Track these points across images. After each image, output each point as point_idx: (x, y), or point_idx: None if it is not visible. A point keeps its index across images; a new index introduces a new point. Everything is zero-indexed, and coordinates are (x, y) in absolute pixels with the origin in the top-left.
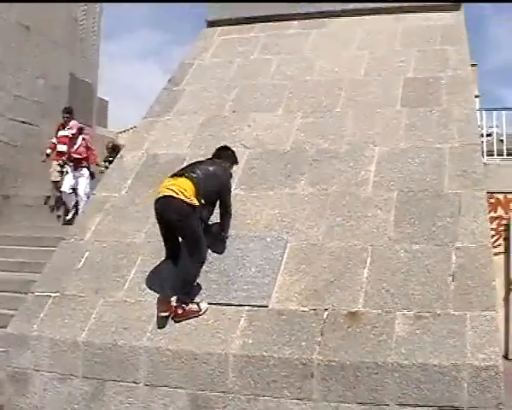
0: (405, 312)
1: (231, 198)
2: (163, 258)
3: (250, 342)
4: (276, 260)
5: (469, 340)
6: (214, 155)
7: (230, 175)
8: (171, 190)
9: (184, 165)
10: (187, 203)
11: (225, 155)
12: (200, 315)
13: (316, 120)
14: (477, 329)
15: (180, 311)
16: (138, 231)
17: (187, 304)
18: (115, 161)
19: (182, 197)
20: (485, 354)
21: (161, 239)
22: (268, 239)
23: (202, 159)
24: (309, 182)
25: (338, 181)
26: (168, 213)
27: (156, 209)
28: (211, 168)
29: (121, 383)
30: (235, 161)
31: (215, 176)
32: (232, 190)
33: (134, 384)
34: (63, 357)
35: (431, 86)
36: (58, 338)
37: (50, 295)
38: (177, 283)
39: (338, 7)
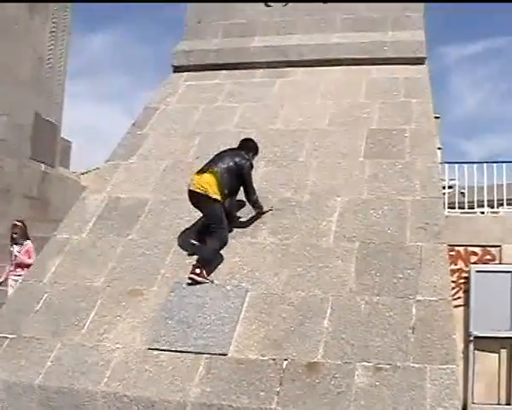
0: (365, 363)
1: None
2: (123, 303)
3: (208, 390)
4: (235, 308)
5: (429, 393)
6: (239, 146)
7: (251, 165)
8: (198, 185)
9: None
10: (210, 197)
11: (248, 145)
12: (208, 283)
13: (279, 169)
14: (436, 382)
15: (198, 271)
16: (98, 274)
17: (201, 270)
18: (77, 203)
19: (206, 193)
20: (444, 407)
21: (120, 283)
22: (228, 287)
23: (227, 149)
24: (270, 231)
25: (299, 231)
26: (197, 204)
27: (189, 198)
28: (233, 160)
29: None
30: (257, 152)
31: (237, 167)
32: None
33: None
34: (18, 401)
35: (394, 138)
36: (13, 381)
37: (7, 337)
38: (199, 256)
39: (303, 57)
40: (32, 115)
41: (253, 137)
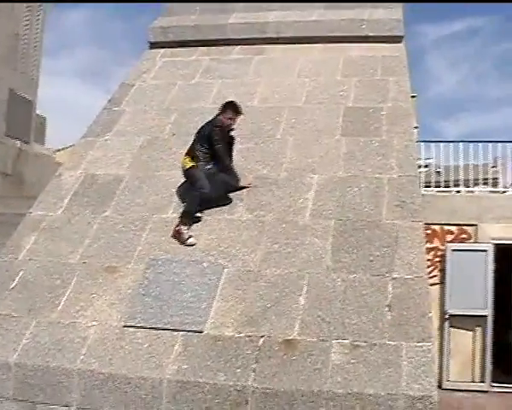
0: (341, 341)
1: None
2: (99, 280)
3: (184, 367)
4: (212, 285)
5: (405, 370)
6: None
7: (222, 129)
8: (181, 164)
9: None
10: (186, 168)
11: (224, 106)
12: (183, 242)
13: (255, 146)
14: (413, 359)
15: (177, 229)
16: (74, 251)
17: (180, 226)
18: (52, 180)
19: (184, 166)
20: (420, 384)
21: (96, 260)
22: (204, 264)
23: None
24: (247, 208)
25: (276, 208)
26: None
27: None
28: (204, 127)
29: (53, 406)
30: (235, 110)
31: (206, 132)
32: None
33: (66, 408)
34: None
35: (371, 116)
36: None
37: None
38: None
39: (281, 34)
40: (6, 92)
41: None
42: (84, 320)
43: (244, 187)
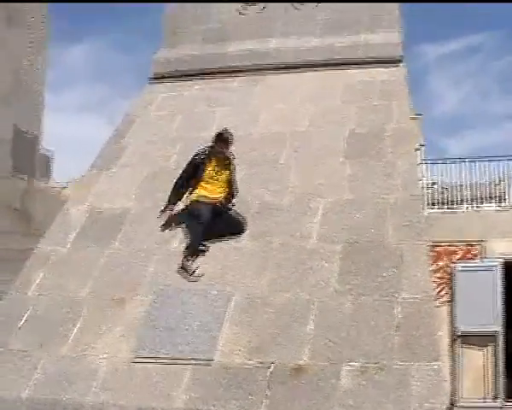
0: (351, 364)
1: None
2: (108, 312)
3: (195, 396)
4: (220, 313)
5: (415, 391)
6: None
7: (196, 158)
8: None
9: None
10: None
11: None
12: (190, 276)
13: (259, 172)
14: (423, 380)
15: (183, 261)
16: (82, 285)
17: (186, 259)
18: (59, 214)
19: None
20: (431, 403)
21: (105, 293)
22: (212, 293)
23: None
24: (252, 235)
25: (282, 233)
26: None
27: None
28: None
29: None
30: (220, 139)
31: None
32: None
33: None
34: None
35: (374, 139)
36: (1, 395)
37: None
38: None
39: (280, 60)
40: (11, 129)
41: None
42: (95, 353)
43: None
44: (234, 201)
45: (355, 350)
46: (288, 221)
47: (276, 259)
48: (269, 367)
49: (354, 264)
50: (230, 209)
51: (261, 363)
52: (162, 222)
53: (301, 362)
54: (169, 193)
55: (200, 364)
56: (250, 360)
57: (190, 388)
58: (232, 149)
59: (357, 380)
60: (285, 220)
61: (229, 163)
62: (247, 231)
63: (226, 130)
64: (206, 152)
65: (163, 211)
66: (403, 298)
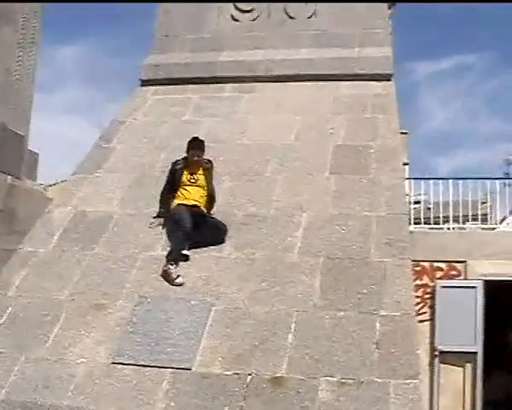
0: (329, 378)
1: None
2: (87, 316)
3: (172, 404)
4: (200, 323)
5: (392, 407)
6: None
7: (175, 165)
8: None
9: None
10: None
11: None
12: (172, 282)
13: (245, 183)
14: (400, 397)
15: (165, 268)
16: (63, 287)
17: (168, 266)
18: (43, 216)
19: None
20: None
21: (85, 297)
22: (193, 302)
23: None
24: (235, 246)
25: (265, 246)
26: None
27: None
28: None
29: None
30: (190, 147)
31: None
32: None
33: None
34: None
35: (360, 154)
36: None
37: None
38: None
39: (271, 72)
40: None
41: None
42: (73, 357)
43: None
44: (215, 209)
45: (333, 364)
46: (271, 233)
47: (258, 271)
48: (246, 378)
49: (335, 279)
50: (213, 215)
51: (238, 374)
52: (145, 228)
53: (279, 375)
54: (158, 204)
55: (178, 372)
56: (228, 370)
57: (168, 396)
58: (207, 154)
59: (335, 394)
60: (268, 232)
61: (205, 168)
62: (229, 241)
63: (197, 137)
64: (182, 160)
65: (151, 225)
66: (383, 315)
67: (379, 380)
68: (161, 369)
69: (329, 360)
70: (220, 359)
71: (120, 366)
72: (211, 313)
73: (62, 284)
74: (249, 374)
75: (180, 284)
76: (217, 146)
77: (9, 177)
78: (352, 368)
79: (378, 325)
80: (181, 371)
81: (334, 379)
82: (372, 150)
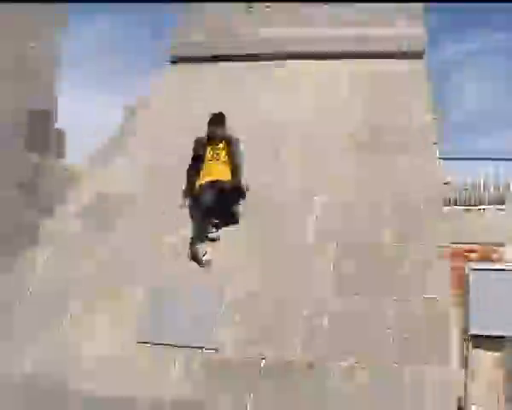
0: (343, 363)
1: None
2: (102, 299)
3: (186, 387)
4: (213, 307)
5: (428, 393)
6: None
7: (197, 142)
8: None
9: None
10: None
11: None
12: (200, 262)
13: (259, 164)
14: (435, 382)
15: (191, 249)
16: (79, 268)
17: (193, 246)
18: (66, 194)
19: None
20: (442, 405)
21: (102, 280)
22: (206, 286)
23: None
24: (249, 229)
25: (279, 229)
26: None
27: None
28: None
29: None
30: (209, 123)
31: None
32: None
33: None
34: None
35: (386, 134)
36: None
37: None
38: None
39: (295, 49)
40: (25, 104)
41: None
42: (87, 340)
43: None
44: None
45: (349, 349)
46: (286, 216)
47: (272, 253)
48: (259, 363)
49: (357, 264)
50: (239, 190)
51: (251, 358)
52: (169, 208)
53: (293, 358)
54: (183, 187)
55: (192, 356)
56: (241, 354)
57: (181, 379)
58: (229, 129)
59: (350, 380)
60: (283, 216)
61: (226, 143)
62: (244, 225)
63: (217, 112)
64: (204, 137)
65: (181, 206)
66: (416, 299)
67: (412, 366)
68: (175, 353)
69: (345, 344)
70: (233, 343)
71: (134, 349)
72: (225, 295)
73: (80, 263)
74: (262, 358)
75: (207, 262)
76: (233, 124)
77: (36, 154)
78: (378, 354)
79: (409, 309)
80: (194, 355)
81: (350, 364)
82: (400, 130)
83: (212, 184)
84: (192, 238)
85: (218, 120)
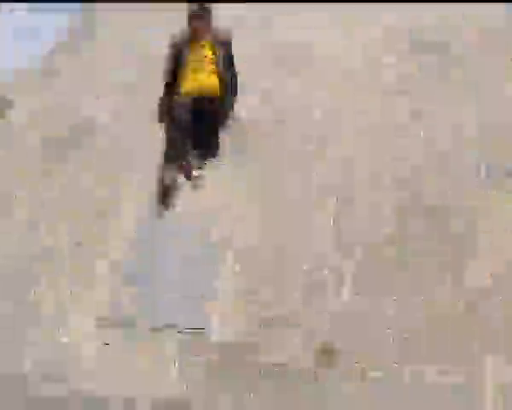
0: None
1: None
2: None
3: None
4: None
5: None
6: None
7: (174, 44)
8: None
9: None
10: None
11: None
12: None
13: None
14: (495, 379)
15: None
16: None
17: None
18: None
19: None
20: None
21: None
22: (203, 248)
23: None
24: (249, 180)
25: (281, 184)
26: None
27: None
28: None
29: None
30: (189, 18)
31: None
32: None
33: None
34: None
35: None
36: None
37: None
38: None
39: None
40: None
41: None
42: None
43: None
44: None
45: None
46: (289, 172)
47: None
48: (258, 359)
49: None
50: (228, 104)
51: (252, 343)
52: (141, 132)
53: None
54: (159, 101)
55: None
56: (241, 340)
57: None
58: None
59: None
60: (287, 171)
61: (216, 46)
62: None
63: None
64: (183, 38)
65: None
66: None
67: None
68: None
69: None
70: (234, 329)
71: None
72: (227, 252)
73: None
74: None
75: (198, 177)
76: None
77: None
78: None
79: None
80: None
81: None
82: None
83: (194, 98)
84: (165, 164)
85: (201, 13)
